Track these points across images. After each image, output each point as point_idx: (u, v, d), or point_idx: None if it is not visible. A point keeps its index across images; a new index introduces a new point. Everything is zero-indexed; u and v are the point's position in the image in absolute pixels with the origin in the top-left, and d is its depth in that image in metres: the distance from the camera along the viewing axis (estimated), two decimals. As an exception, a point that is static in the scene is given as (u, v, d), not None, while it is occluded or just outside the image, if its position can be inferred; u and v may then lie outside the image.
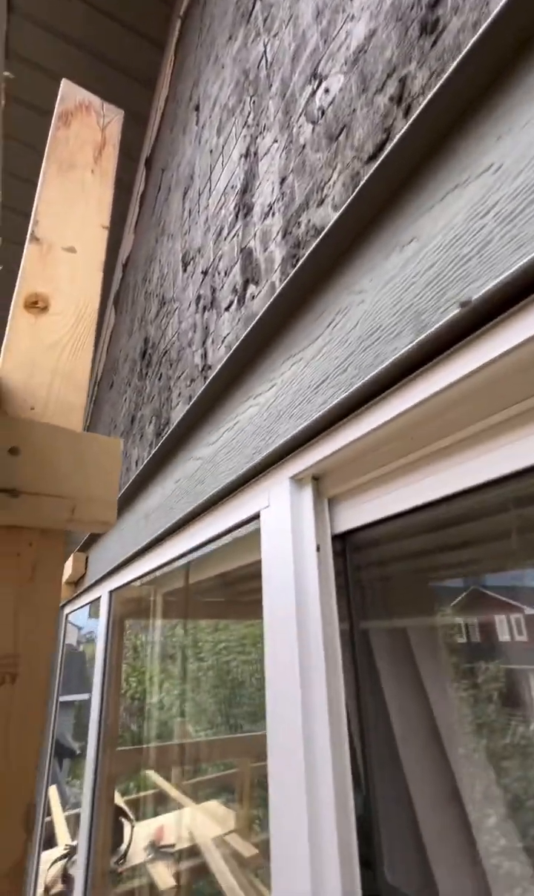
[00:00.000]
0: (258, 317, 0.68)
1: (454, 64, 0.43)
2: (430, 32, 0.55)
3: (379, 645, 0.65)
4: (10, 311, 0.70)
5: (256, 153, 0.92)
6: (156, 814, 3.46)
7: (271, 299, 0.67)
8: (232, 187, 1.02)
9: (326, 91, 0.71)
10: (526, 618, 1.00)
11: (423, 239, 0.46)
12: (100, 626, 1.68)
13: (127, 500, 1.31)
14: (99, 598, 1.86)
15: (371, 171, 0.51)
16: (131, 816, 3.06)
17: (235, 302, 0.89)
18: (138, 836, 3.02)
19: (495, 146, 0.42)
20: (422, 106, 0.46)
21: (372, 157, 0.57)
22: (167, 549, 1.05)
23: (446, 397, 0.45)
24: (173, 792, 3.86)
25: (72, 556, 2.12)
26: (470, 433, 0.48)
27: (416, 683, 0.70)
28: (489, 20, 0.41)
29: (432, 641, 0.77)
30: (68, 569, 2.17)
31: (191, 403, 0.93)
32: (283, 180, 0.78)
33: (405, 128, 0.47)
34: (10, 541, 0.57)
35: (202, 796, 3.43)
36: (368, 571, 0.64)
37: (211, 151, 1.19)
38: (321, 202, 0.66)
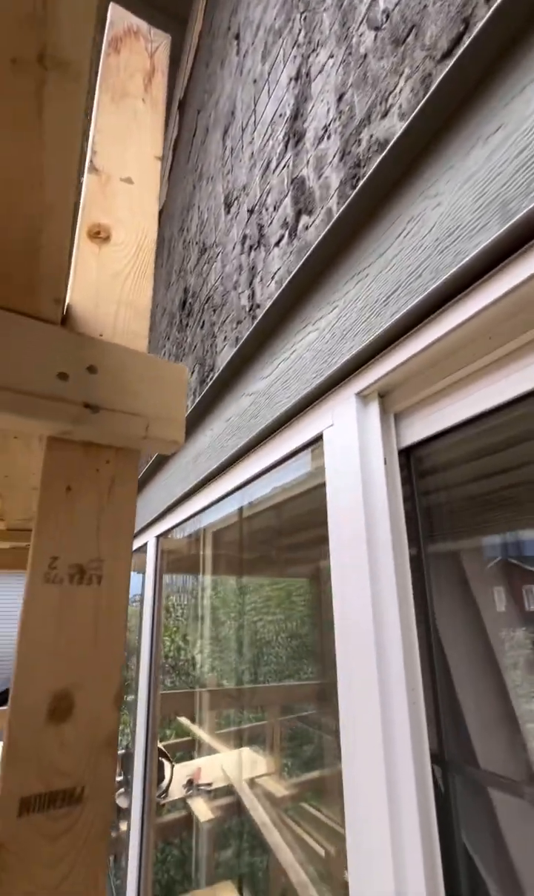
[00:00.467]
0: (316, 242, 0.68)
1: None
2: None
3: (444, 562, 0.67)
4: (75, 243, 0.72)
5: (308, 73, 0.89)
6: (192, 758, 3.74)
7: (331, 223, 0.67)
8: (280, 115, 0.99)
9: (391, -8, 0.67)
10: None
11: (511, 125, 0.44)
12: (148, 570, 1.77)
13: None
14: (145, 544, 1.96)
15: (447, 68, 0.49)
16: (170, 757, 3.32)
17: (286, 236, 0.89)
18: (178, 775, 3.27)
19: None
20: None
21: (447, 54, 0.55)
22: (218, 487, 1.09)
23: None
24: (208, 738, 4.15)
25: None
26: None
27: (476, 610, 0.73)
28: None
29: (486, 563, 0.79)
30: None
31: (240, 343, 0.95)
32: (340, 97, 0.76)
33: (490, 12, 0.45)
34: (90, 457, 0.62)
35: (235, 744, 3.67)
36: (434, 487, 0.66)
37: (255, 81, 1.15)
38: (385, 113, 0.64)
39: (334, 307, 0.68)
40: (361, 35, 0.72)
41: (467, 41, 0.48)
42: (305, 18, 0.92)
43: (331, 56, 0.81)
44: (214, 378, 1.10)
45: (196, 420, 1.21)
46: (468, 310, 0.47)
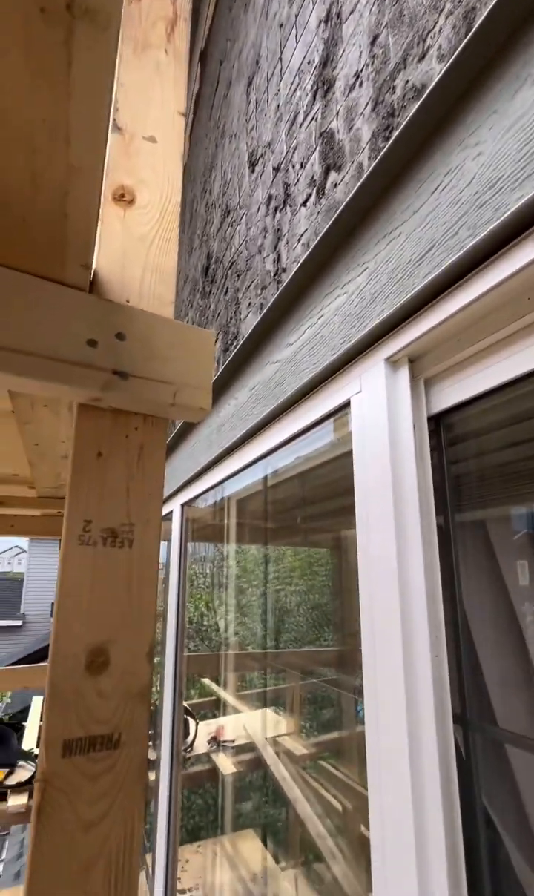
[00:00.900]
0: (346, 200, 0.65)
1: None
2: None
3: (471, 532, 0.67)
4: (100, 206, 0.71)
5: (338, 14, 0.83)
6: (215, 717, 3.94)
7: (361, 180, 0.64)
8: (308, 62, 0.93)
9: None
10: None
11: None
12: (173, 537, 1.83)
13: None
14: (171, 511, 2.01)
15: (492, 1, 0.45)
16: (194, 715, 3.51)
17: (314, 195, 0.86)
18: (201, 732, 3.45)
19: None
20: None
21: (493, -16, 0.51)
22: (242, 456, 1.10)
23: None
24: (230, 699, 4.35)
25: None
26: None
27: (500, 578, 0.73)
28: None
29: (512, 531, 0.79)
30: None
31: (264, 309, 0.93)
32: (374, 40, 0.71)
33: None
34: (119, 424, 0.63)
35: (256, 706, 3.84)
36: (463, 456, 0.65)
37: (281, 25, 1.08)
38: (423, 56, 0.60)
39: (364, 269, 0.66)
40: (398, -33, 0.67)
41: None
42: (335, -49, 0.85)
43: (364, -7, 0.75)
44: (238, 346, 1.10)
45: (220, 389, 1.22)
46: (507, 269, 0.45)
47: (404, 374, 0.63)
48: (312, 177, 0.87)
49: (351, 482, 0.71)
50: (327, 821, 2.52)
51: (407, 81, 0.63)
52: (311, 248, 0.76)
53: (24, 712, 4.61)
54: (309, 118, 0.91)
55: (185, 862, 2.97)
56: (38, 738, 4.28)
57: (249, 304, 1.15)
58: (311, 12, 0.94)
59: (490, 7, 0.47)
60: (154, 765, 3.07)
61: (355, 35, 0.77)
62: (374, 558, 0.63)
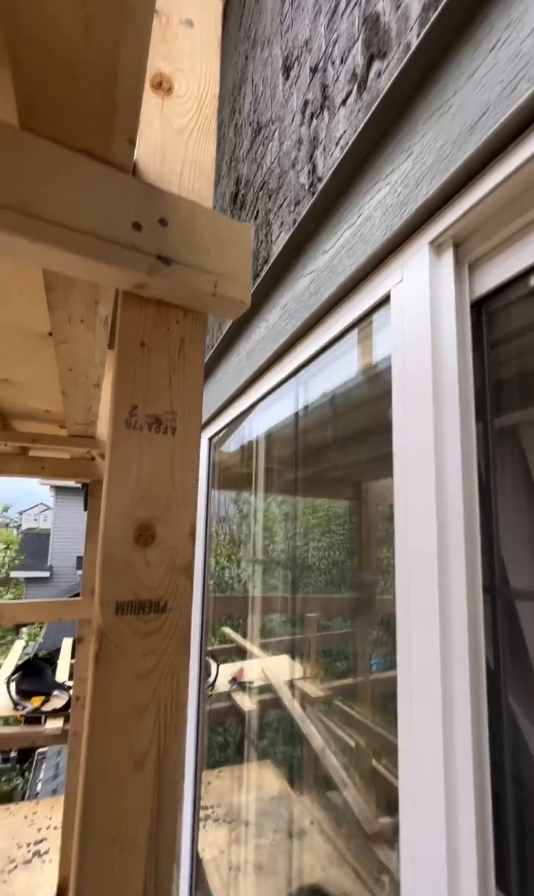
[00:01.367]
0: (391, 82, 0.62)
1: None
2: None
3: (513, 431, 0.67)
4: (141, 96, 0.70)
5: None
6: (234, 661, 4.18)
7: (409, 54, 0.61)
8: None
9: None
10: None
11: None
12: (200, 474, 1.88)
13: (226, 346, 1.37)
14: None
15: None
16: (216, 658, 3.73)
17: (354, 91, 0.82)
18: (222, 673, 3.67)
19: None
20: None
21: None
22: (272, 377, 1.11)
23: None
24: (249, 646, 4.58)
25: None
26: None
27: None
28: None
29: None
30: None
31: (298, 222, 0.92)
32: None
33: None
34: (161, 316, 0.65)
35: (274, 653, 4.04)
36: (506, 346, 0.65)
37: None
38: None
39: (409, 154, 0.64)
40: None
41: None
42: None
43: None
44: (268, 268, 1.09)
45: (250, 315, 1.21)
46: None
47: (448, 258, 0.62)
48: (354, 70, 0.83)
49: (377, 424, 0.71)
50: (341, 756, 2.69)
51: None
52: (349, 146, 0.73)
53: (55, 654, 4.94)
54: (352, 4, 0.85)
55: (207, 784, 3.22)
56: (70, 673, 4.62)
57: (281, 223, 1.13)
58: None
59: None
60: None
61: None
62: (410, 465, 0.64)
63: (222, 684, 3.91)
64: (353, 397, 1.02)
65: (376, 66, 0.76)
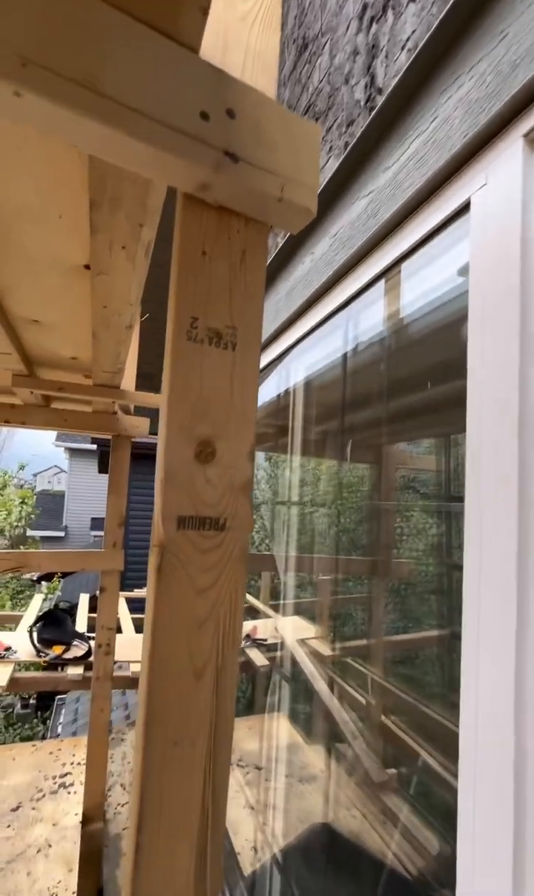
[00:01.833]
0: None
1: None
2: None
3: None
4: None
5: None
6: (247, 619, 4.30)
7: None
8: None
9: None
10: None
11: None
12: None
13: (267, 282, 1.31)
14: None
15: None
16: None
17: (427, -15, 0.75)
18: None
19: None
20: None
21: None
22: (316, 314, 1.08)
23: None
24: (261, 606, 4.69)
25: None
26: None
27: None
28: None
29: None
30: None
31: (350, 146, 0.86)
32: None
33: None
34: (222, 223, 0.62)
35: (287, 613, 4.14)
36: None
37: None
38: None
39: (502, 37, 0.58)
40: None
41: None
42: None
43: None
44: (318, 192, 1.03)
45: (292, 250, 1.16)
46: None
47: (545, 151, 0.57)
48: (428, -40, 0.75)
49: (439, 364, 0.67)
50: (352, 712, 2.78)
51: None
52: (421, 47, 0.67)
53: (73, 607, 5.12)
54: None
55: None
56: (89, 626, 4.80)
57: (330, 147, 1.07)
58: None
59: None
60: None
61: None
62: (485, 386, 0.61)
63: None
64: (415, 332, 0.97)
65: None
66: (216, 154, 0.56)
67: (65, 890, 2.14)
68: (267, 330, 1.35)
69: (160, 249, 1.03)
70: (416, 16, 0.78)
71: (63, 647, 4.10)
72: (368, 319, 1.02)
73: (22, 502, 12.45)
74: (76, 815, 2.58)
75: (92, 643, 4.16)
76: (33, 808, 2.62)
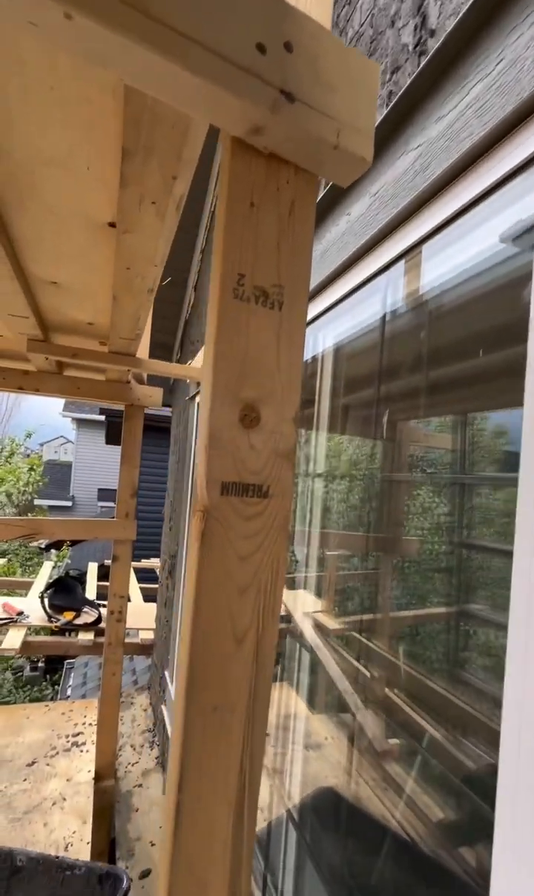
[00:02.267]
0: None
1: None
2: None
3: None
4: None
5: None
6: None
7: None
8: None
9: None
10: None
11: None
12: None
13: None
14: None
15: None
16: None
17: None
18: None
19: None
20: None
21: None
22: (350, 279, 1.04)
23: None
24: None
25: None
26: None
27: None
28: None
29: None
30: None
31: (403, 88, 0.81)
32: None
33: None
34: (271, 173, 0.58)
35: (292, 587, 4.21)
36: None
37: None
38: None
39: None
40: None
41: None
42: None
43: None
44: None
45: (323, 212, 1.11)
46: None
47: None
48: None
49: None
50: (355, 682, 2.85)
51: None
52: None
53: (82, 575, 5.23)
54: None
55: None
56: (98, 594, 4.92)
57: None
58: None
59: None
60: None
61: None
62: None
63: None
64: (467, 297, 0.92)
65: None
66: (272, 93, 0.52)
67: (80, 840, 2.25)
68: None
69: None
70: None
71: (74, 614, 4.21)
72: (413, 284, 0.97)
73: (30, 469, 12.57)
74: (89, 771, 2.69)
75: (102, 610, 4.27)
76: (48, 765, 2.73)
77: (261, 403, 0.59)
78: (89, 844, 2.22)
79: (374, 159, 0.97)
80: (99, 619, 4.17)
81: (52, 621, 4.13)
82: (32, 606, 4.27)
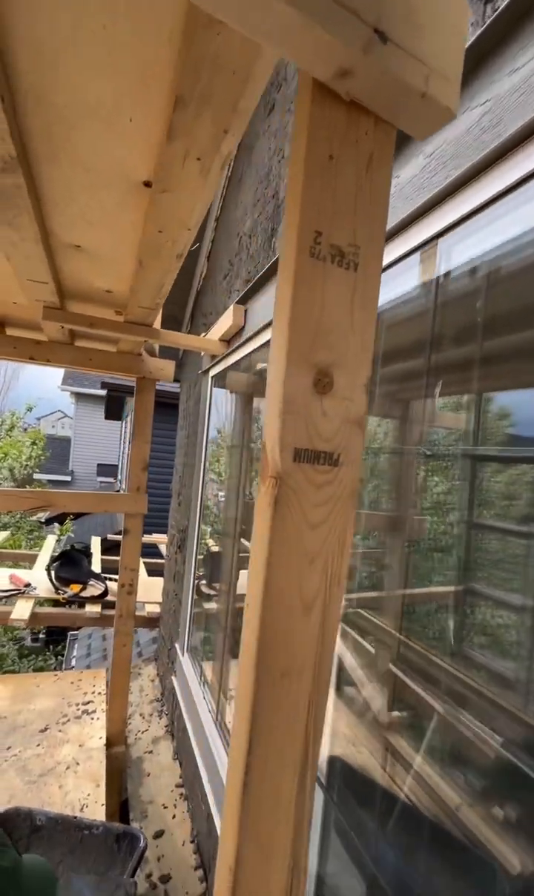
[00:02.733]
0: None
1: None
2: None
3: None
4: None
5: None
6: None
7: None
8: None
9: None
10: None
11: None
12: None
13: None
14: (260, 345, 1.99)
15: None
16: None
17: None
18: (243, 578, 3.92)
19: None
20: None
21: None
22: (400, 245, 1.01)
23: None
24: None
25: (231, 308, 2.21)
26: None
27: None
28: None
29: None
30: (225, 322, 2.29)
31: (474, 37, 0.76)
32: None
33: None
34: (351, 124, 0.55)
35: None
36: None
37: None
38: None
39: None
40: None
41: None
42: None
43: None
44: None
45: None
46: None
47: None
48: None
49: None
50: (359, 658, 2.90)
51: None
52: None
53: (88, 549, 5.27)
54: None
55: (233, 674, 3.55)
56: (103, 567, 4.97)
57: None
58: None
59: None
60: (214, 599, 3.52)
61: None
62: None
63: (243, 586, 4.20)
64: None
65: None
66: (366, 31, 0.49)
67: (94, 802, 2.32)
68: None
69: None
70: None
71: (80, 586, 4.26)
72: (469, 253, 0.94)
73: (33, 443, 12.55)
74: (100, 738, 2.76)
75: (108, 583, 4.33)
76: (60, 731, 2.80)
77: (334, 368, 0.58)
78: (104, 806, 2.30)
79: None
80: (105, 592, 4.23)
81: (58, 593, 4.19)
82: (39, 578, 4.32)
